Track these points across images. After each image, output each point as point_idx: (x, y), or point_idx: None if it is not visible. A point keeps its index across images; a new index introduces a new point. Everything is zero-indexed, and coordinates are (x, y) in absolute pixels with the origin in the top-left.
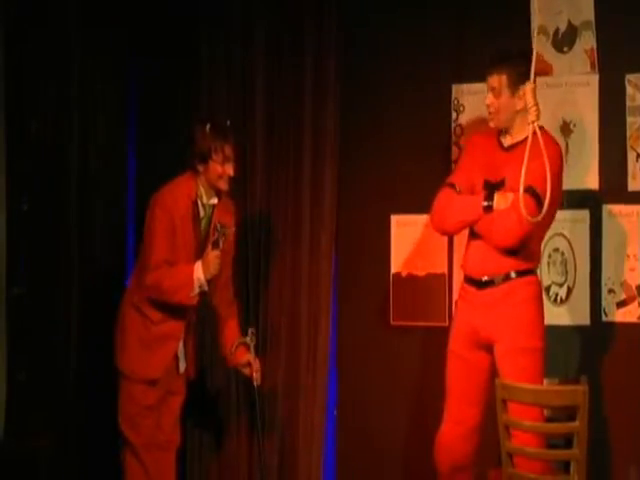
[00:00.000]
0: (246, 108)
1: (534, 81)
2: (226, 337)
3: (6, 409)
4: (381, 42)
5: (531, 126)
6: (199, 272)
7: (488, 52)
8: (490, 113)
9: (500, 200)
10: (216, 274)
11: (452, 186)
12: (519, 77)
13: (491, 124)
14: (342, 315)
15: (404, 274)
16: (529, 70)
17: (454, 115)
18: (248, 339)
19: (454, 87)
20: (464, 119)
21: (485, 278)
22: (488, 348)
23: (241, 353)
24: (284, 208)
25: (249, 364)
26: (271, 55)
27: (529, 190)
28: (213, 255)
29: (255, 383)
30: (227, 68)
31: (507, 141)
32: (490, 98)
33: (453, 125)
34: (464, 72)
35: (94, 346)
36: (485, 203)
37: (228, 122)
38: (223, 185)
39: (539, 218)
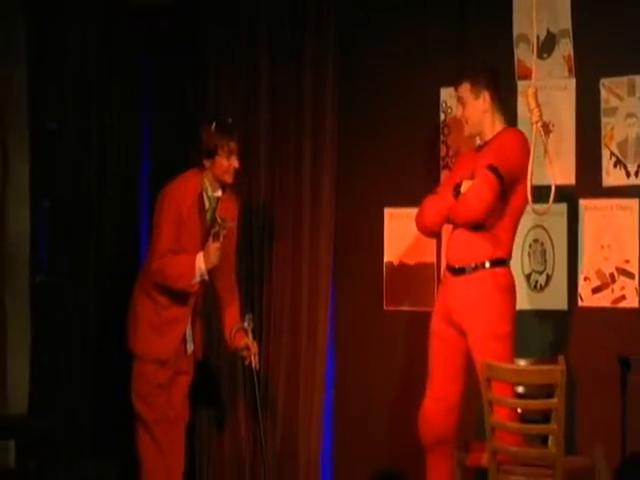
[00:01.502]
0: (250, 106)
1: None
2: (226, 322)
3: (30, 388)
4: (379, 43)
5: (534, 127)
6: (200, 262)
7: (478, 58)
8: (463, 124)
9: (467, 185)
10: (217, 264)
11: (436, 193)
12: (480, 83)
13: (466, 134)
14: (339, 301)
15: (396, 263)
16: (489, 79)
17: (442, 116)
18: (246, 324)
19: (442, 90)
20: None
21: (459, 266)
22: (462, 332)
23: (240, 337)
24: (286, 202)
25: (247, 347)
26: (273, 55)
27: (490, 168)
28: (214, 247)
29: (254, 365)
30: (232, 68)
31: (480, 144)
32: (459, 110)
33: (441, 126)
34: (452, 76)
35: (111, 329)
36: (454, 191)
37: (230, 120)
38: (229, 178)
39: (543, 212)
